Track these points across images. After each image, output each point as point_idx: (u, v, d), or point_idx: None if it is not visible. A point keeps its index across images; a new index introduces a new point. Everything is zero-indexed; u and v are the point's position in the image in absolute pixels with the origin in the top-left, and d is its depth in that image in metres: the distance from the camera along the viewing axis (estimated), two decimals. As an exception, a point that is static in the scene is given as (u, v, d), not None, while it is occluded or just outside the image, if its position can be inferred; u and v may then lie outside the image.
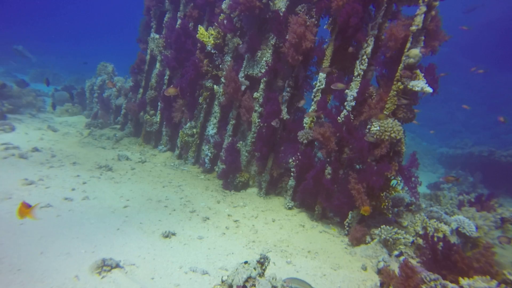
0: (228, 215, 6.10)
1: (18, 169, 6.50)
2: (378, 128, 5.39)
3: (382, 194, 5.64)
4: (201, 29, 8.59)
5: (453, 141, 25.52)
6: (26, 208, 3.72)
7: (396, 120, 5.44)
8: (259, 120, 7.71)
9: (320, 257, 4.98)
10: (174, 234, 4.96)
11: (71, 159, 7.91)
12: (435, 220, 5.66)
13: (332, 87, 5.91)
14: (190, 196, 6.82)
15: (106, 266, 3.76)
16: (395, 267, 4.40)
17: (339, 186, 6.12)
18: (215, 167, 8.69)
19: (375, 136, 5.41)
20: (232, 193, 7.47)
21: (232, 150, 7.76)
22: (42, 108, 13.47)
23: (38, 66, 27.28)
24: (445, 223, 5.89)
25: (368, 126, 5.67)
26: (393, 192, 5.68)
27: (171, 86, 9.76)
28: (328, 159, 6.28)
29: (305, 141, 6.52)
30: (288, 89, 7.07)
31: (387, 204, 5.66)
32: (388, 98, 5.61)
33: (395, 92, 5.54)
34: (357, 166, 6.24)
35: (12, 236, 4.14)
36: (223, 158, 8.08)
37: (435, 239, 4.40)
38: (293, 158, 6.75)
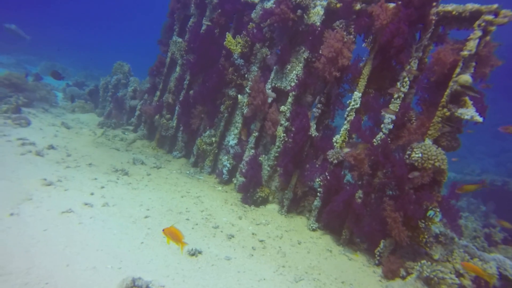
0: (253, 234, 5.79)
1: (35, 167, 6.21)
2: (420, 155, 5.13)
3: (421, 225, 5.34)
4: (228, 36, 8.39)
5: (458, 166, 25.28)
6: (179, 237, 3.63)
7: (439, 148, 5.19)
8: (284, 134, 7.45)
9: (355, 289, 4.67)
10: (200, 252, 4.65)
11: (87, 159, 7.62)
12: (475, 258, 5.35)
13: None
14: (211, 209, 6.51)
15: (136, 287, 3.45)
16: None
17: (370, 211, 5.83)
18: (233, 179, 8.39)
19: (416, 164, 5.15)
20: (252, 209, 7.17)
21: (254, 164, 7.48)
22: (54, 103, 13.22)
23: (47, 58, 27.13)
24: (484, 262, 5.58)
25: (408, 152, 5.41)
26: (430, 223, 5.39)
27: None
28: (360, 182, 6.00)
29: (335, 161, 6.26)
30: (319, 106, 6.83)
31: (426, 236, 5.36)
32: (432, 124, 5.37)
33: (439, 119, 5.31)
34: (389, 192, 5.97)
35: (37, 243, 3.83)
36: (243, 170, 7.79)
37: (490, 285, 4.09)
38: (321, 177, 6.48)
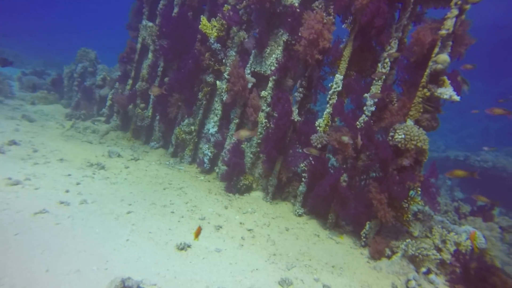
0: (240, 223, 5.70)
1: (-2, 166, 5.71)
2: (403, 136, 5.21)
3: (404, 206, 5.48)
4: (203, 20, 8.02)
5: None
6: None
7: (421, 129, 5.28)
8: (266, 120, 7.34)
9: (346, 273, 4.72)
10: (189, 246, 4.50)
11: (57, 154, 7.13)
12: (451, 233, 5.58)
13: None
14: (195, 200, 6.33)
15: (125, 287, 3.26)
16: (426, 286, 4.24)
17: (356, 194, 5.90)
18: (215, 167, 8.22)
19: (399, 145, 5.23)
20: (237, 197, 7.06)
21: (237, 151, 7.33)
22: (9, 93, 12.24)
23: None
24: (456, 234, 5.85)
25: (391, 134, 5.47)
26: (412, 203, 5.54)
27: (155, 85, 9.16)
28: (344, 166, 6.04)
29: (319, 146, 6.23)
30: (300, 90, 6.73)
31: (409, 216, 5.51)
32: (413, 105, 5.44)
33: (420, 99, 5.38)
34: (373, 174, 6.06)
35: (9, 249, 3.50)
36: (226, 159, 7.63)
37: (467, 257, 4.27)
38: (305, 162, 6.45)
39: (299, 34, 6.68)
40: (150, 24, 10.00)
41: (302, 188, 6.54)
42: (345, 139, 5.57)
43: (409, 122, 5.47)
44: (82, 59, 12.73)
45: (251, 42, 7.79)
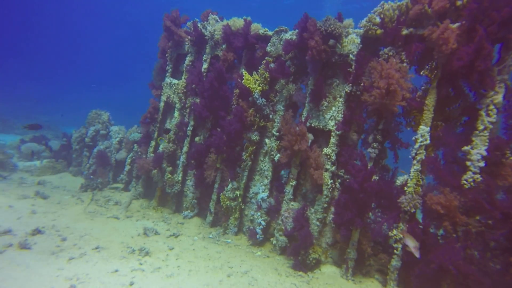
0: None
1: (27, 270, 4.44)
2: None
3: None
4: (246, 74, 7.40)
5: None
6: None
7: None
8: (332, 181, 6.42)
9: None
10: None
11: (89, 241, 5.88)
12: None
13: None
14: (272, 289, 5.11)
15: None
16: None
17: (485, 273, 4.77)
18: (271, 238, 7.04)
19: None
20: (311, 277, 5.85)
21: (302, 219, 6.28)
22: (12, 166, 10.99)
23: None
24: None
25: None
26: None
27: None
28: (455, 235, 5.04)
29: (412, 210, 5.29)
30: (375, 145, 5.93)
31: None
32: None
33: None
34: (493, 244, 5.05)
35: None
36: (287, 228, 6.55)
37: None
38: (398, 231, 5.44)
39: (362, 84, 6.08)
40: (176, 81, 9.36)
41: (395, 262, 5.43)
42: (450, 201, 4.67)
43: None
44: (94, 122, 11.81)
45: (300, 95, 7.13)
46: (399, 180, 6.00)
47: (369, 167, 5.64)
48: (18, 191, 8.31)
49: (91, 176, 10.44)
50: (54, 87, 47.48)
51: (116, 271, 4.87)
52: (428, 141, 5.40)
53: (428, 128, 5.44)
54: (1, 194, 7.73)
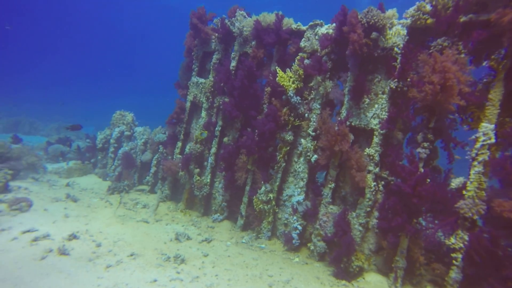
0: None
1: (68, 278, 4.24)
2: None
3: None
4: (280, 71, 7.04)
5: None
6: None
7: None
8: (375, 183, 6.00)
9: None
10: None
11: (123, 246, 5.68)
12: None
13: None
14: (319, 301, 4.76)
15: None
16: None
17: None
18: (308, 244, 6.69)
19: None
20: (356, 287, 5.47)
21: (344, 224, 5.90)
22: (41, 168, 10.98)
23: (6, 113, 24.53)
24: None
25: None
26: None
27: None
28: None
29: (475, 217, 4.82)
30: (425, 144, 5.47)
31: None
32: None
33: None
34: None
35: None
36: (327, 233, 6.20)
37: None
38: (457, 239, 4.98)
39: (410, 79, 5.64)
40: (202, 80, 9.10)
41: (455, 275, 4.95)
42: None
43: None
44: (118, 123, 11.70)
45: (338, 92, 6.72)
46: (454, 182, 5.52)
47: (421, 169, 5.19)
48: (50, 193, 8.24)
49: (117, 179, 10.31)
50: (75, 91, 48.64)
51: (155, 280, 4.62)
52: (493, 140, 4.91)
53: (493, 125, 4.95)
54: (36, 197, 7.65)
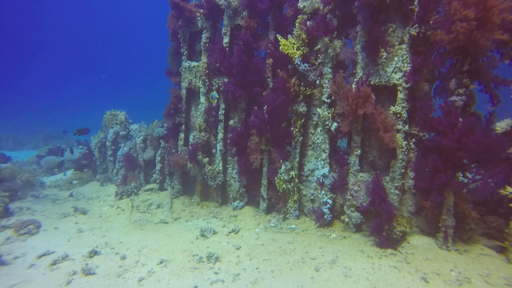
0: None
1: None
2: None
3: None
4: (282, 39, 6.40)
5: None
6: None
7: None
8: (406, 142, 5.56)
9: None
10: None
11: (149, 254, 5.22)
12: None
13: None
14: (377, 281, 4.39)
15: None
16: None
17: None
18: (342, 217, 6.31)
19: None
20: (404, 254, 5.12)
21: (380, 190, 5.49)
22: (39, 184, 10.34)
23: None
24: None
25: None
26: None
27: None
28: None
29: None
30: (461, 91, 4.99)
31: None
32: None
33: None
34: None
35: None
36: (361, 203, 5.81)
37: None
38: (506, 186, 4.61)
39: (432, 22, 5.06)
40: (195, 63, 8.39)
41: (514, 225, 4.63)
42: None
43: None
44: (111, 124, 10.99)
45: (349, 52, 6.14)
46: (499, 126, 5.08)
47: (463, 119, 4.74)
48: (55, 209, 7.68)
49: (123, 182, 9.74)
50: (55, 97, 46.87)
51: (196, 287, 4.19)
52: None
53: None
54: (42, 216, 7.10)
